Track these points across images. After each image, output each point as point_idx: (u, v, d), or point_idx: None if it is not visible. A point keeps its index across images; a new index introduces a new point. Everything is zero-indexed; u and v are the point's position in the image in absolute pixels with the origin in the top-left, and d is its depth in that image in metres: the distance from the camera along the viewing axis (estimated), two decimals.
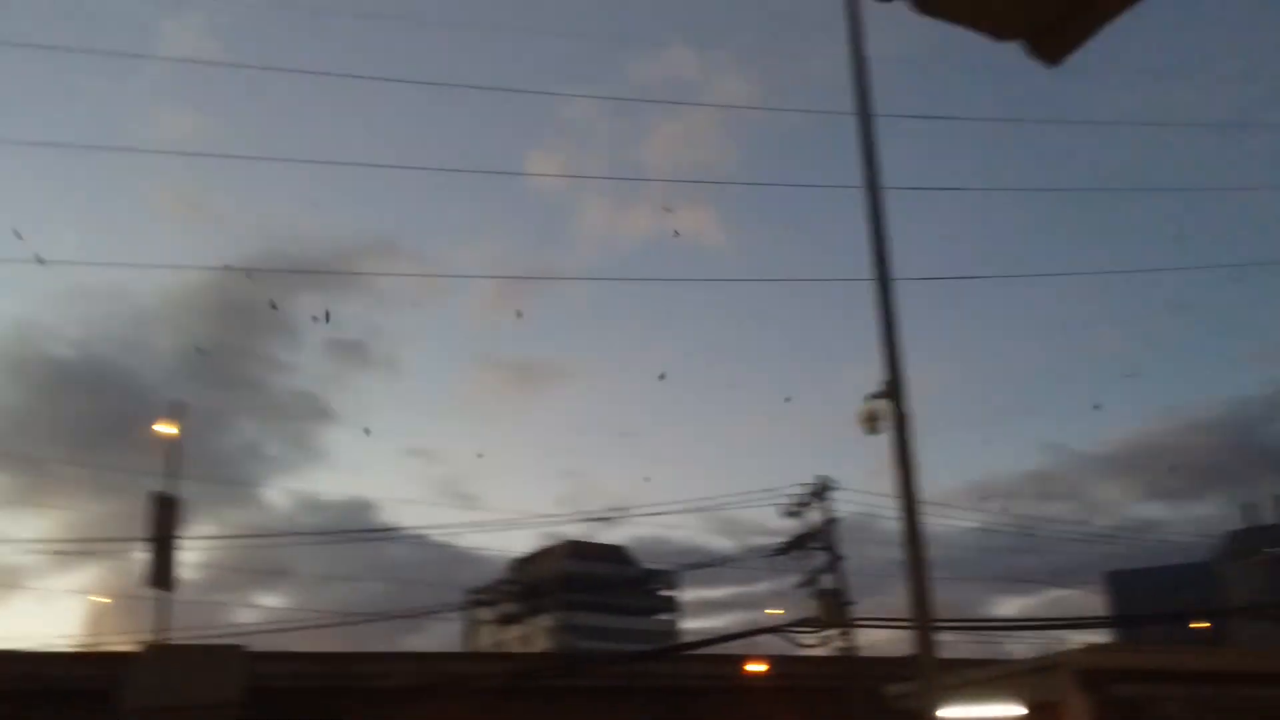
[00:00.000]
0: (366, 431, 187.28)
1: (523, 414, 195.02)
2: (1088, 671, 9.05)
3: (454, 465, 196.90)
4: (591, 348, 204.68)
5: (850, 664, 30.82)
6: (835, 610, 31.06)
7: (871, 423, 12.98)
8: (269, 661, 31.26)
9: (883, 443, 12.79)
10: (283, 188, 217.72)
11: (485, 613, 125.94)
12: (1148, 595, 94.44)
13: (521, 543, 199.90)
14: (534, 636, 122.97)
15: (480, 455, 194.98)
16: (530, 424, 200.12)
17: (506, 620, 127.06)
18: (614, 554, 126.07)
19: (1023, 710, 11.13)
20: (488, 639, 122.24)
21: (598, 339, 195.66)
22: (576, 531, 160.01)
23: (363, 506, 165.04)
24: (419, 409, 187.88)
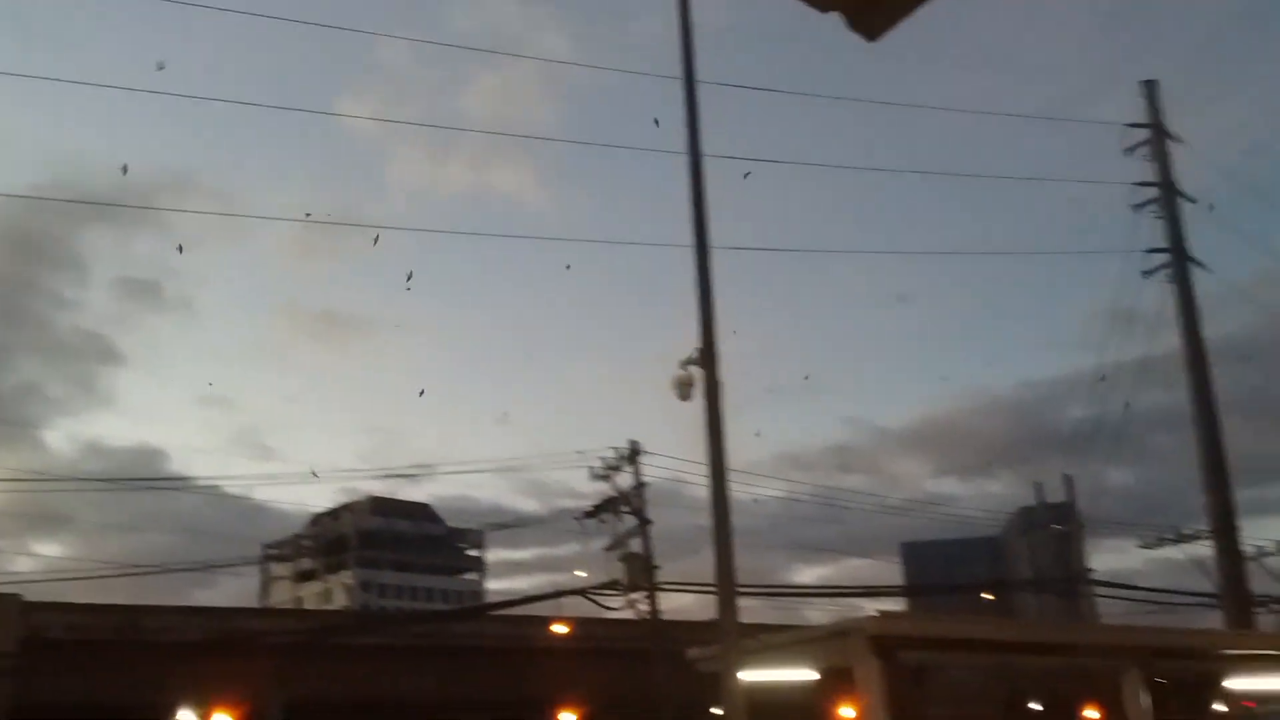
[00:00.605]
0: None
1: (327, 365, 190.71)
2: (879, 638, 9.28)
3: (252, 415, 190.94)
4: (402, 300, 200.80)
5: (653, 627, 31.18)
6: (640, 574, 31.36)
7: (684, 389, 13.05)
8: (45, 612, 29.84)
9: (695, 409, 12.89)
10: (75, 113, 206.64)
11: (281, 568, 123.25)
12: (941, 566, 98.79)
13: (322, 497, 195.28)
14: (332, 593, 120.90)
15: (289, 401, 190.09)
16: (335, 376, 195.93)
17: (304, 576, 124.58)
18: (419, 511, 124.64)
19: (816, 675, 11.33)
20: (284, 595, 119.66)
21: (409, 292, 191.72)
22: (380, 488, 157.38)
23: (153, 454, 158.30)
24: (216, 355, 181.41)
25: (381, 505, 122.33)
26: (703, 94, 13.65)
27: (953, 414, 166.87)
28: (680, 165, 13.29)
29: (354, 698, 34.24)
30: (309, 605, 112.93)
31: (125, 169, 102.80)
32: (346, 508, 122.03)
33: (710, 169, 13.40)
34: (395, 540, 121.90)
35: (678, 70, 13.67)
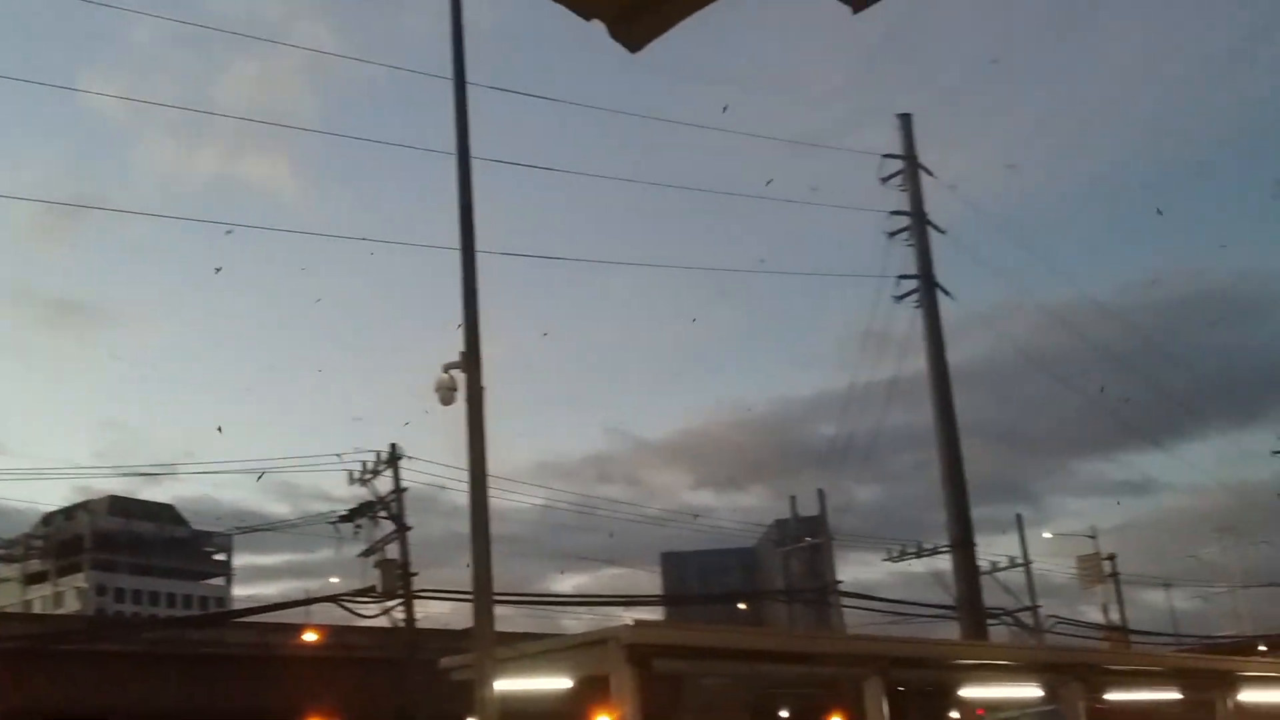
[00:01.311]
0: None
1: (64, 355, 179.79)
2: (635, 646, 9.27)
3: None
4: (146, 290, 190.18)
5: (409, 635, 30.60)
6: (396, 580, 30.72)
7: (446, 393, 12.79)
8: None
9: (457, 414, 12.65)
10: None
11: (8, 569, 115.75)
12: (699, 576, 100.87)
13: (55, 495, 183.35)
14: (63, 597, 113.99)
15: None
16: (71, 367, 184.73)
17: (33, 579, 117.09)
18: (161, 512, 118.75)
19: (570, 683, 11.25)
20: (10, 598, 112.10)
21: (153, 281, 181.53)
22: (120, 486, 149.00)
23: None
24: None
25: (120, 505, 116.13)
26: (474, 95, 13.44)
27: (711, 427, 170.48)
28: (449, 166, 13.04)
29: (83, 707, 32.28)
30: (38, 609, 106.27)
31: None
32: (82, 507, 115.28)
33: (480, 172, 13.21)
34: (135, 542, 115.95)
35: (448, 69, 13.43)
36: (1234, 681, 15.02)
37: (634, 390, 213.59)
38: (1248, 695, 15.42)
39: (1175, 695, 15.42)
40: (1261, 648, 43.48)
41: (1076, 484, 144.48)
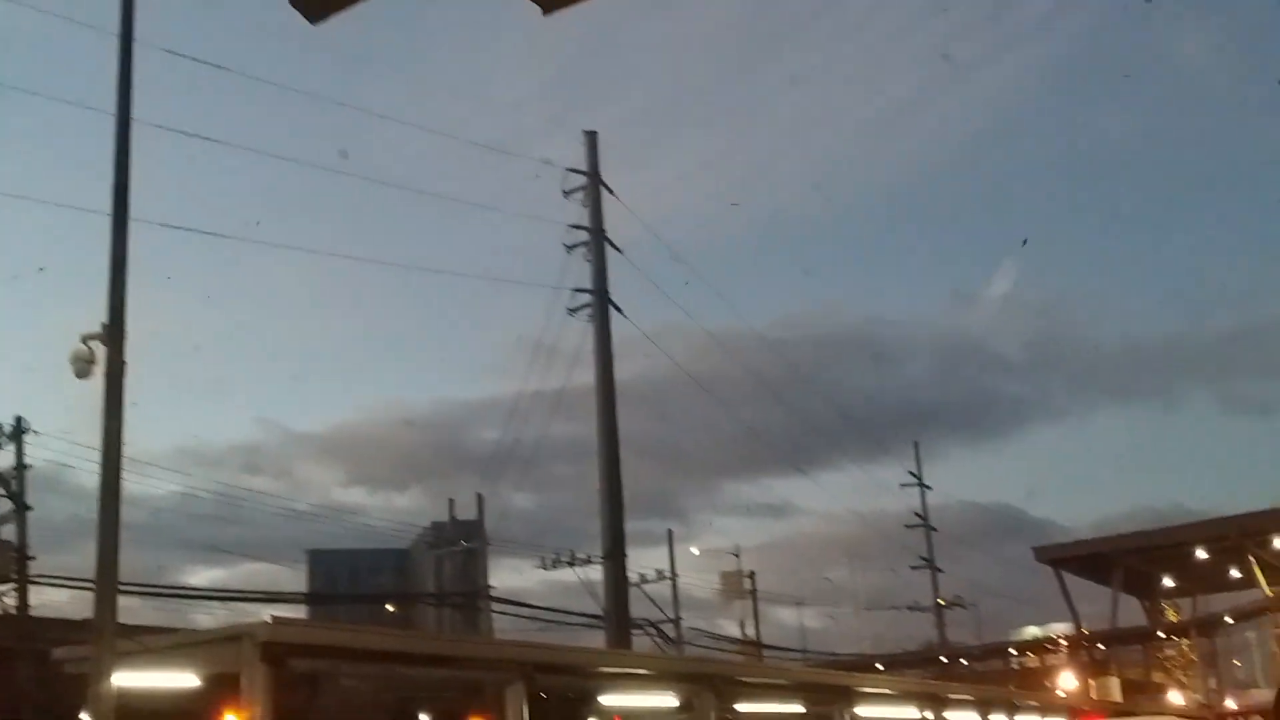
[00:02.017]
0: None
1: None
2: (270, 644, 8.84)
3: None
4: None
5: (20, 623, 28.36)
6: (11, 564, 28.39)
7: (84, 365, 11.86)
8: None
9: (94, 389, 11.75)
10: None
11: None
12: (348, 576, 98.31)
13: None
14: None
15: None
16: None
17: None
18: None
19: (197, 680, 10.63)
20: None
21: None
22: None
23: None
24: None
25: None
26: (142, 55, 12.60)
27: (369, 425, 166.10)
28: (108, 126, 12.14)
29: None
30: None
31: None
32: None
33: (142, 137, 12.37)
34: None
35: (115, 25, 12.54)
36: (852, 696, 15.99)
37: (291, 381, 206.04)
38: (863, 710, 16.46)
39: (799, 708, 16.27)
40: (879, 666, 46.73)
41: (722, 503, 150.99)
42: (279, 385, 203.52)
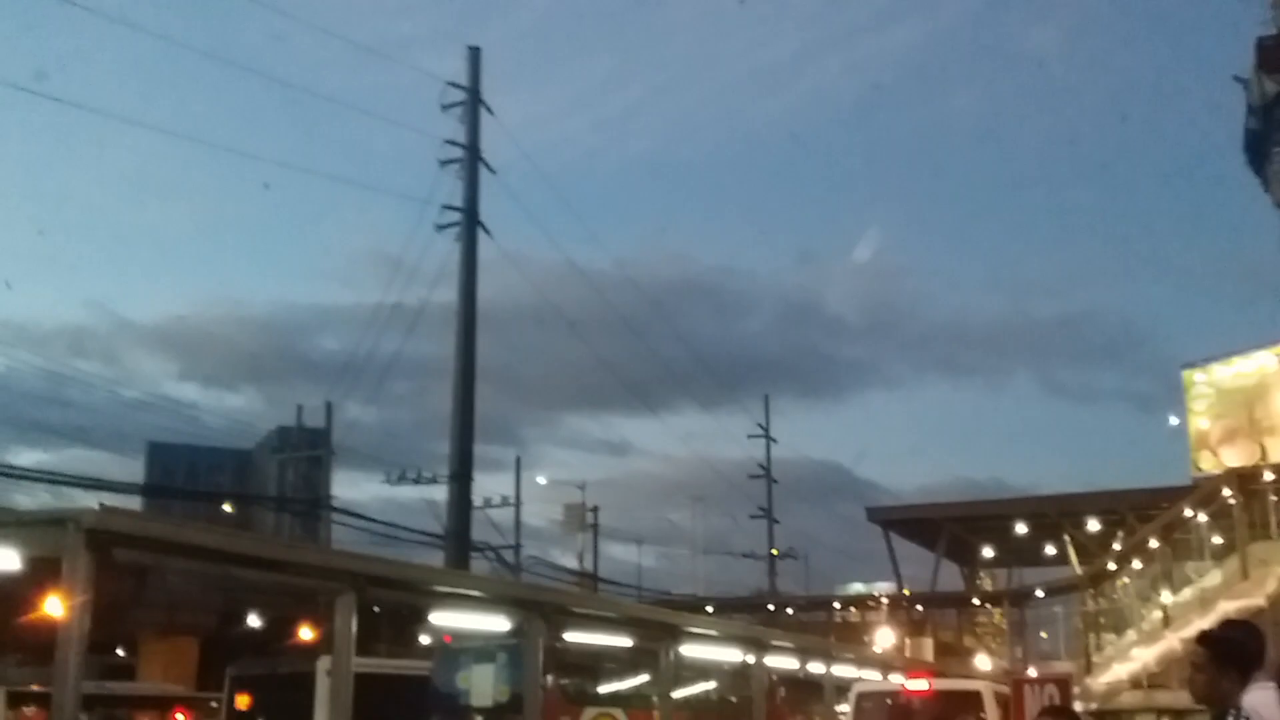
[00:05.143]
0: None
1: None
2: (96, 531, 8.64)
3: None
4: None
5: None
6: None
7: None
8: None
9: None
10: None
11: None
12: (187, 473, 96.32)
13: None
14: None
15: None
16: None
17: None
18: None
19: (18, 563, 10.34)
20: None
21: None
22: None
23: None
24: None
25: None
26: None
27: (206, 320, 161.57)
28: None
29: None
30: None
31: None
32: None
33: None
34: None
35: None
36: (678, 635, 16.35)
37: (125, 267, 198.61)
38: (688, 649, 16.89)
39: (626, 641, 16.59)
40: (709, 609, 47.80)
41: (564, 436, 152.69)
42: (113, 270, 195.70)
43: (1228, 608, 33.52)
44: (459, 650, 18.80)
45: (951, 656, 47.16)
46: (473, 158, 30.04)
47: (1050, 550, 53.40)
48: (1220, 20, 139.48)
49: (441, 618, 13.99)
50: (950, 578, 58.58)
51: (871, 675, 22.98)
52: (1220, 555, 40.19)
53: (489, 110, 30.52)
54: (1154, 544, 41.26)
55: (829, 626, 53.54)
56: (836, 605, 57.56)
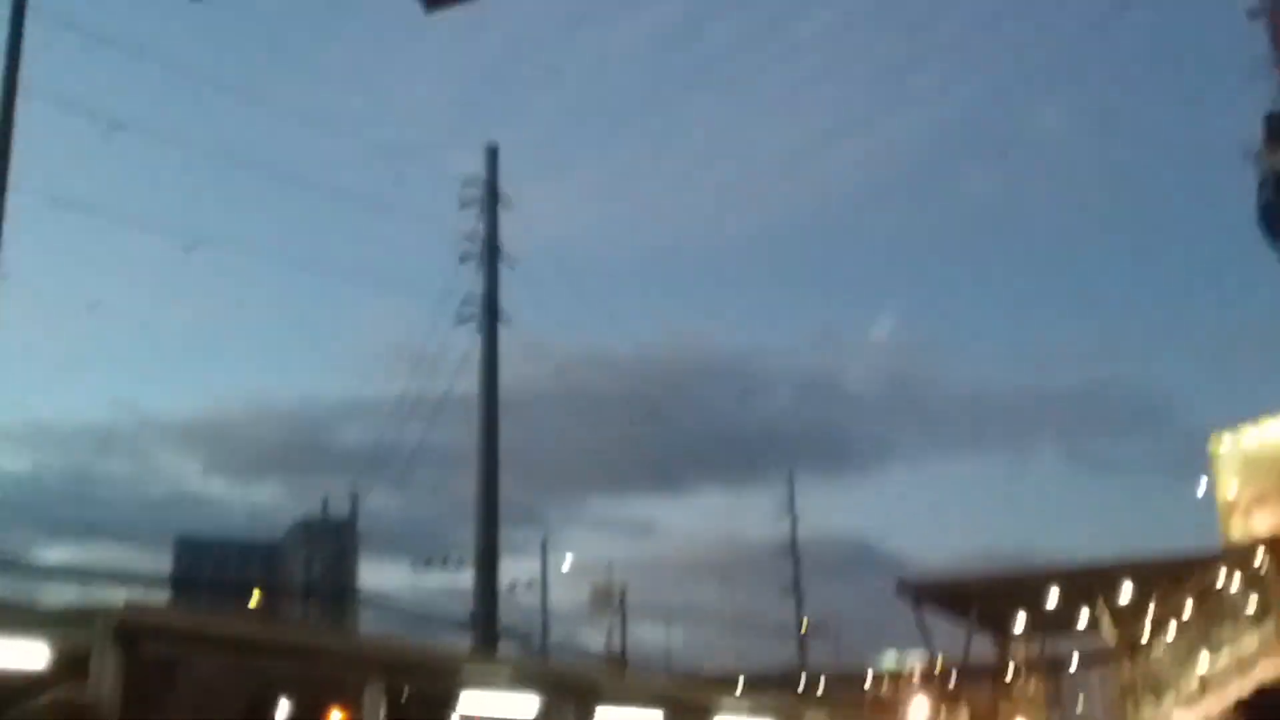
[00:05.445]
0: None
1: None
2: (124, 626, 8.75)
3: None
4: None
5: None
6: None
7: None
8: None
9: None
10: None
11: None
12: (215, 567, 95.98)
13: None
14: None
15: None
16: None
17: None
18: None
19: (47, 658, 10.45)
20: None
21: None
22: None
23: None
24: None
25: None
26: (35, 23, 12.43)
27: (230, 415, 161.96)
28: None
29: None
30: None
31: None
32: None
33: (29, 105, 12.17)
34: None
35: None
36: (711, 711, 16.30)
37: (149, 365, 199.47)
38: None
39: (659, 715, 16.53)
40: (739, 685, 47.24)
41: (588, 518, 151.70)
42: (138, 368, 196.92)
43: (1265, 672, 33.05)
44: None
45: None
46: (491, 252, 30.45)
47: (1084, 619, 52.69)
48: (1228, 96, 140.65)
49: (471, 701, 13.97)
50: (982, 648, 57.79)
51: None
52: (1256, 619, 39.65)
53: (507, 205, 30.96)
54: (1188, 610, 40.73)
55: (861, 700, 52.80)
56: (868, 681, 56.82)
